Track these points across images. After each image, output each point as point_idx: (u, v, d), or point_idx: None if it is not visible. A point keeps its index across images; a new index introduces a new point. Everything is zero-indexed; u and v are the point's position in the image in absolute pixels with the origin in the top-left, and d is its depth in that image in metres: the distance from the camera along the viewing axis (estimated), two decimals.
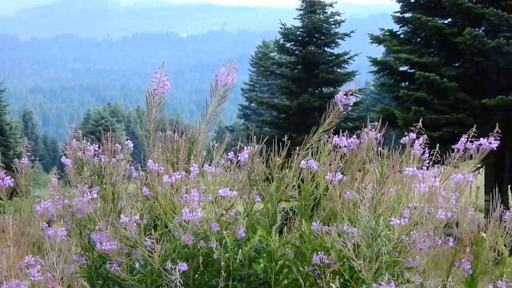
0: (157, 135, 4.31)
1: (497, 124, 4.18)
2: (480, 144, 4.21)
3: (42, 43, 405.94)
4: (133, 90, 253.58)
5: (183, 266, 3.58)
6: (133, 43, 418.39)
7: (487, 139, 4.22)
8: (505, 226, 3.93)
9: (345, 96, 4.33)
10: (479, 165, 19.53)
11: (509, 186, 4.16)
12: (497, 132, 4.17)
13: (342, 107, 4.34)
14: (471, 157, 4.17)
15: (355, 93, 4.36)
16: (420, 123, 4.13)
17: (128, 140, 4.38)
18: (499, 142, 4.22)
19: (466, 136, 4.18)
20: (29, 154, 4.43)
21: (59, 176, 4.23)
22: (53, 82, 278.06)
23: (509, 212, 3.95)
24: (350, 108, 4.37)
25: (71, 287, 3.51)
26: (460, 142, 4.21)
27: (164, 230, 3.84)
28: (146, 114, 4.33)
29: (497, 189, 4.02)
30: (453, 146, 4.21)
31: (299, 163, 4.20)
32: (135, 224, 3.73)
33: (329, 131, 4.34)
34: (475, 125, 4.18)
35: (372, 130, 4.15)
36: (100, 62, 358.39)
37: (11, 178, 4.20)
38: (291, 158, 4.27)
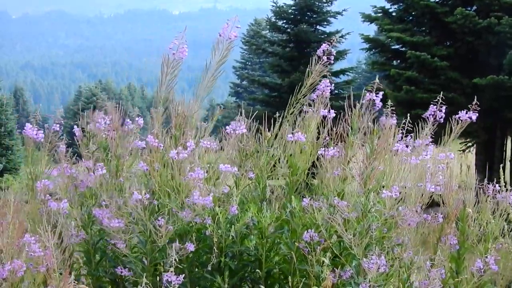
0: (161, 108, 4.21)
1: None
2: (460, 117, 4.19)
3: (33, 20, 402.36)
4: (124, 67, 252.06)
5: (191, 247, 3.63)
6: (124, 20, 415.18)
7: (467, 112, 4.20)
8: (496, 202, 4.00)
9: (328, 45, 4.31)
10: (470, 144, 19.60)
11: (500, 165, 4.22)
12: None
13: (325, 58, 4.31)
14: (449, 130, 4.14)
15: (335, 42, 4.34)
16: None
17: (139, 117, 4.33)
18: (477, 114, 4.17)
19: (434, 104, 4.12)
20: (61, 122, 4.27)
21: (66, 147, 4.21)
22: (44, 58, 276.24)
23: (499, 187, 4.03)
24: (332, 61, 4.35)
25: (65, 261, 3.54)
26: (429, 109, 4.14)
27: (168, 209, 3.86)
28: (158, 81, 4.19)
29: (488, 168, 4.08)
30: (423, 115, 4.13)
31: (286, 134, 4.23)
32: (144, 201, 3.70)
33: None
34: (466, 104, 4.19)
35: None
36: (91, 39, 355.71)
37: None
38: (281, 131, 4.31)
